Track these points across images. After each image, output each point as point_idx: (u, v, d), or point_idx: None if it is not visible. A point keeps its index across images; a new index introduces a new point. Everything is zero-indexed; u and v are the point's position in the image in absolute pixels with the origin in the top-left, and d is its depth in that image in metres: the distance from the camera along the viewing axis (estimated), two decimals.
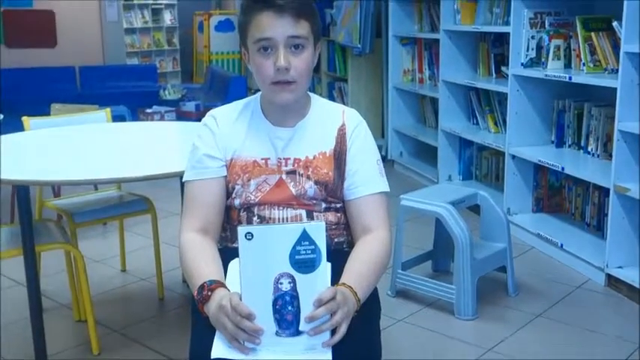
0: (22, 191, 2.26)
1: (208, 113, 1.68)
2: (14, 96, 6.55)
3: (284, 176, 1.60)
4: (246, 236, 1.29)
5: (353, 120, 1.66)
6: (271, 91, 1.54)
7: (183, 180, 1.65)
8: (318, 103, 1.68)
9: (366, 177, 1.62)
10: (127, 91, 7.37)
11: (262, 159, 1.60)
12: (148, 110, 6.47)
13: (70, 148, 2.69)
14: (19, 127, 2.99)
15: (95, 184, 3.22)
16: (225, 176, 1.62)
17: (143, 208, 3.02)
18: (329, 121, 1.65)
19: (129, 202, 3.07)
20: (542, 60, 3.57)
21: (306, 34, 1.51)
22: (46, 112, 3.91)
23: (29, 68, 7.30)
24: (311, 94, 1.68)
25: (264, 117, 1.64)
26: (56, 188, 3.88)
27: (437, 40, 4.65)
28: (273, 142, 1.61)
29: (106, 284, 3.22)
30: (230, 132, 1.63)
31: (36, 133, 2.93)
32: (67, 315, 2.88)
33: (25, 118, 3.03)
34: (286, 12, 1.47)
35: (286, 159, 1.60)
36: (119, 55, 9.10)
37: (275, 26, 1.48)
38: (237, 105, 1.68)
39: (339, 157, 1.62)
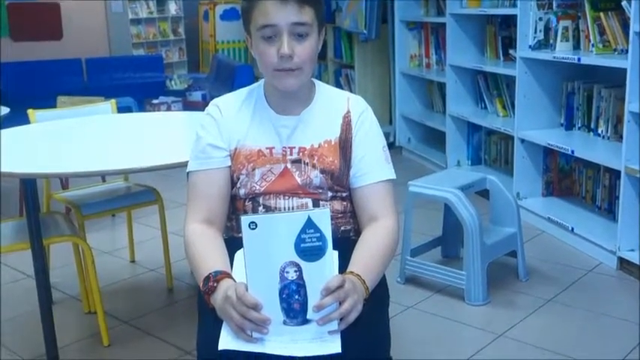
0: (28, 184, 2.26)
1: (211, 102, 1.66)
2: (21, 89, 6.55)
3: (289, 165, 1.58)
4: (249, 226, 1.27)
5: (358, 107, 1.64)
6: (274, 77, 1.52)
7: (187, 170, 1.63)
8: (323, 91, 1.66)
9: (371, 164, 1.60)
10: (134, 82, 7.37)
11: (267, 148, 1.59)
12: (155, 101, 6.46)
13: (77, 140, 2.69)
14: (26, 121, 3.00)
15: (102, 176, 3.22)
16: (230, 166, 1.60)
17: (151, 199, 3.02)
18: (334, 109, 1.63)
19: (136, 193, 3.06)
20: (551, 42, 3.53)
21: (310, 21, 1.48)
22: (53, 105, 3.91)
23: (35, 61, 7.29)
24: (316, 81, 1.65)
25: (268, 105, 1.61)
26: (64, 180, 3.89)
27: (443, 24, 4.61)
28: (278, 130, 1.59)
29: (115, 275, 3.23)
30: (234, 121, 1.61)
31: (42, 125, 2.93)
32: (77, 307, 2.88)
33: (30, 111, 3.03)
34: None
35: (291, 148, 1.58)
36: (125, 46, 9.08)
37: (279, 13, 1.45)
38: (240, 93, 1.66)
39: (344, 144, 1.60)
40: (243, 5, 1.54)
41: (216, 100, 1.66)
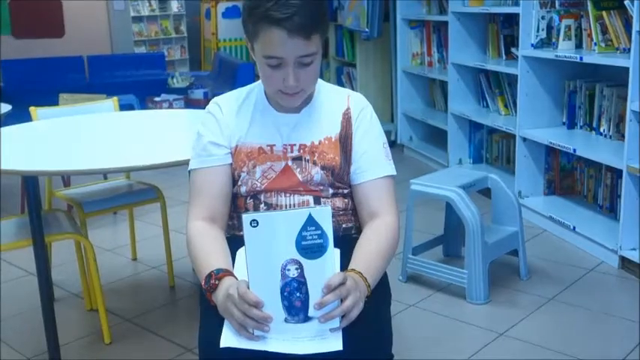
0: (30, 182, 2.26)
1: (212, 100, 1.67)
2: (23, 87, 6.55)
3: (290, 162, 1.58)
4: (251, 224, 1.28)
5: (358, 104, 1.64)
6: (278, 96, 1.54)
7: (189, 169, 1.64)
8: (324, 88, 1.66)
9: (371, 161, 1.60)
10: (136, 80, 7.36)
11: (268, 145, 1.59)
12: (157, 98, 6.46)
13: (79, 138, 2.69)
14: (28, 118, 3.00)
15: (104, 174, 3.23)
16: (231, 164, 1.60)
17: (152, 197, 3.02)
18: (334, 106, 1.63)
19: (138, 191, 3.06)
20: (553, 40, 3.53)
21: (316, 49, 1.47)
22: (55, 103, 3.91)
23: (37, 59, 7.30)
24: None
25: (268, 103, 1.62)
26: (66, 178, 3.89)
27: (445, 23, 4.61)
28: (279, 128, 1.60)
29: (116, 273, 3.23)
30: (234, 119, 1.61)
31: (44, 123, 2.93)
32: (79, 304, 2.89)
33: (32, 109, 3.03)
34: (297, 32, 1.41)
35: (292, 145, 1.59)
36: (127, 43, 9.09)
37: (285, 46, 1.42)
38: (240, 92, 1.66)
39: (344, 141, 1.60)
40: (246, 22, 1.48)
41: (216, 99, 1.66)
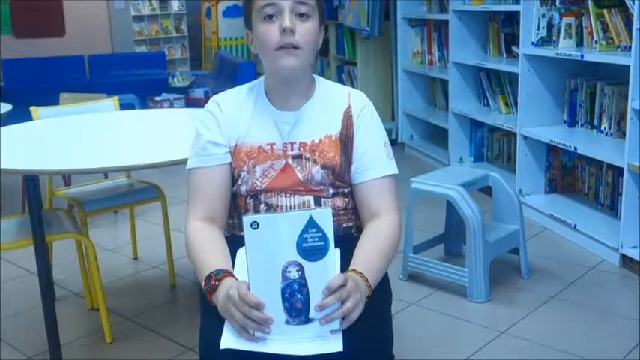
0: (30, 181, 2.26)
1: (211, 99, 1.65)
2: (24, 86, 6.56)
3: (290, 161, 1.57)
4: (251, 226, 1.27)
5: (359, 102, 1.63)
6: (276, 57, 1.50)
7: (187, 168, 1.62)
8: (324, 86, 1.64)
9: (373, 160, 1.59)
10: (136, 79, 7.37)
11: (267, 144, 1.57)
12: (157, 98, 6.47)
13: (79, 137, 2.69)
14: (28, 118, 3.00)
15: (105, 173, 3.23)
16: (230, 163, 1.59)
17: (153, 196, 3.02)
18: (335, 104, 1.61)
19: (139, 190, 3.07)
20: (554, 39, 3.53)
21: (311, 2, 1.49)
22: (55, 102, 3.91)
23: (38, 58, 7.30)
24: (316, 77, 1.64)
25: (268, 101, 1.60)
26: (66, 177, 3.89)
27: (446, 21, 4.60)
28: (279, 126, 1.58)
29: (117, 272, 3.23)
30: (234, 118, 1.60)
31: (44, 122, 2.93)
32: (80, 303, 2.89)
33: (33, 108, 3.03)
34: None
35: (292, 143, 1.57)
36: (127, 43, 9.08)
37: None
38: (240, 90, 1.65)
39: (345, 140, 1.59)
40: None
41: (215, 97, 1.65)
